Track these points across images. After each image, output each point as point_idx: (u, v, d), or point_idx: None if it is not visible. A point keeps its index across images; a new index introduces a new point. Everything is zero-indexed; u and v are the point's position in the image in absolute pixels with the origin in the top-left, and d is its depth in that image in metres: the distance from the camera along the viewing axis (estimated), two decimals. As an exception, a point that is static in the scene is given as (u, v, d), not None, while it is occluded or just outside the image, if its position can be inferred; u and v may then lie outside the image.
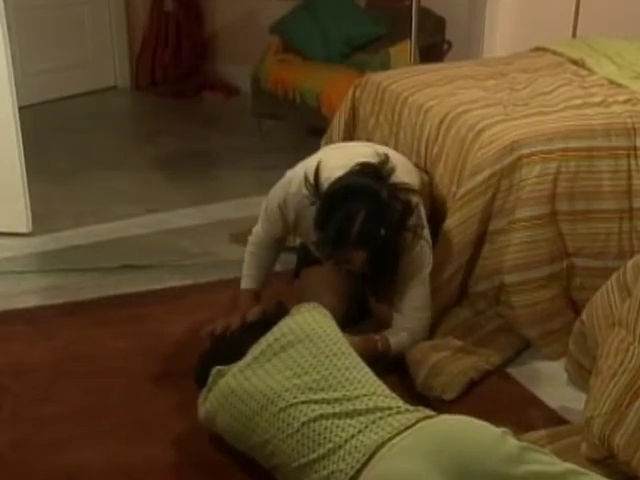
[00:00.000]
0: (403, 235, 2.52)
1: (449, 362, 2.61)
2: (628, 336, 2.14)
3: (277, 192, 2.73)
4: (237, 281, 3.23)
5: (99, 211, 3.99)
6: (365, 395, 2.01)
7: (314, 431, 1.95)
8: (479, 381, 2.60)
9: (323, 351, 2.14)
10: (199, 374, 2.39)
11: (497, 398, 2.55)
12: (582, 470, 1.83)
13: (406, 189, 2.52)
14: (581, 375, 2.51)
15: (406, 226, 2.50)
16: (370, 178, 2.46)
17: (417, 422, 1.90)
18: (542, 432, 2.27)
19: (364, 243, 2.42)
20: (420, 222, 2.58)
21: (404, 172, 2.68)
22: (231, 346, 2.39)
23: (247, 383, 2.13)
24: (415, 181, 2.76)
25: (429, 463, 1.76)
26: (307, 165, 2.64)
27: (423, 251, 2.61)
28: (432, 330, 2.76)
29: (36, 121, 5.18)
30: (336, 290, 2.73)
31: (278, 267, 3.01)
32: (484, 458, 1.77)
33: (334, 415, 1.96)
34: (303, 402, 2.01)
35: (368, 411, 1.96)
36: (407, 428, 1.88)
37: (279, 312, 2.44)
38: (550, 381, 2.63)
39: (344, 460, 1.88)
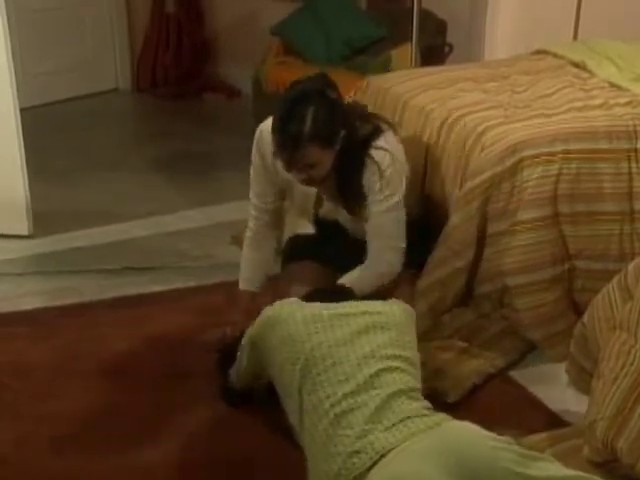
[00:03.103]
0: (369, 154, 2.57)
1: (453, 365, 2.62)
2: (630, 339, 2.14)
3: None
4: (238, 283, 3.23)
5: (100, 213, 3.98)
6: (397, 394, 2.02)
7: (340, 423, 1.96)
8: (481, 384, 2.60)
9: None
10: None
11: (499, 400, 2.55)
12: (588, 476, 1.83)
13: (379, 117, 2.69)
14: (582, 378, 2.51)
15: (373, 144, 2.57)
16: (319, 82, 2.55)
17: (429, 428, 1.92)
18: (543, 435, 2.27)
19: (320, 138, 2.46)
20: (390, 147, 2.61)
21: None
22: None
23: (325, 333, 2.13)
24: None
25: (437, 465, 1.78)
26: None
27: (391, 177, 2.60)
28: (436, 329, 2.77)
29: (37, 123, 5.17)
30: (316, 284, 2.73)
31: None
32: (489, 462, 1.78)
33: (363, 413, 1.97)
34: (344, 395, 2.01)
35: (394, 413, 1.96)
36: (420, 432, 1.90)
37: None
38: (551, 383, 2.63)
39: (357, 454, 1.90)
